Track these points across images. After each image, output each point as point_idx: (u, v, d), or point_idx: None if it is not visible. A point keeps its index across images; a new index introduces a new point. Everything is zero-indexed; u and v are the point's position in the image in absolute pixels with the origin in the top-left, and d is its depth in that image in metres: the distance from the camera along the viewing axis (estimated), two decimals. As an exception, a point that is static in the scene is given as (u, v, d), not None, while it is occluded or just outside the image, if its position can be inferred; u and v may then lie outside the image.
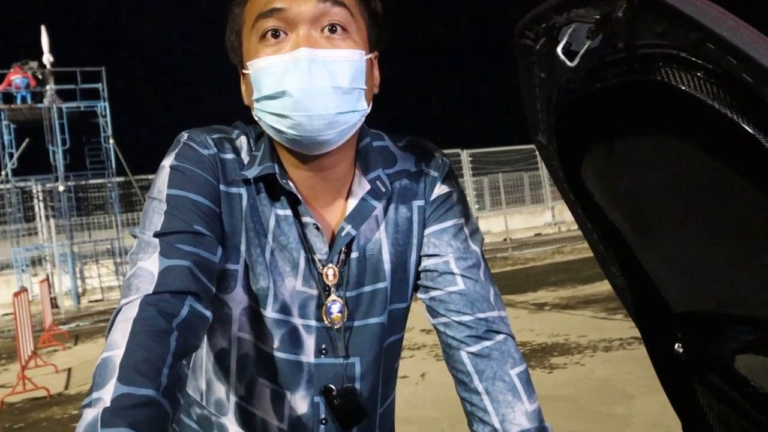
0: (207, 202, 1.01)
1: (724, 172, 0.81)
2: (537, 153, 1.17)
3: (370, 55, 1.04)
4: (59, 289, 15.71)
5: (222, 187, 1.04)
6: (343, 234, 1.08)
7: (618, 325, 6.86)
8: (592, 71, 0.87)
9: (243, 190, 1.06)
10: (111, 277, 16.97)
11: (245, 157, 1.07)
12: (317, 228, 1.07)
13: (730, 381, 1.04)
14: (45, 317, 10.40)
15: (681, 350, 1.12)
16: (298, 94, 0.95)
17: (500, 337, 1.11)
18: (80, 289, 16.55)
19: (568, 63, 0.85)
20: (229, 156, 1.06)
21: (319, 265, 1.08)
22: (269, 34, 0.98)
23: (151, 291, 0.90)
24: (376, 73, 1.09)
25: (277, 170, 1.05)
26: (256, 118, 1.05)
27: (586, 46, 0.83)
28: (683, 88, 0.75)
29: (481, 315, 1.10)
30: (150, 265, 0.93)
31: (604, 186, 1.06)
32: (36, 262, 16.77)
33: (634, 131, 0.92)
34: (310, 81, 0.95)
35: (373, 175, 1.10)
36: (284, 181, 1.05)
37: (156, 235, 0.96)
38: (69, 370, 7.89)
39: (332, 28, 0.99)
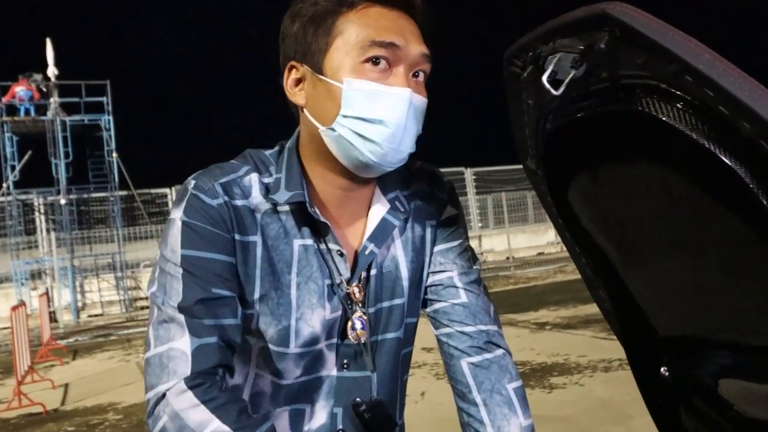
0: (223, 257, 1.02)
1: (704, 200, 0.82)
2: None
3: None
4: (58, 303, 15.68)
5: (237, 237, 1.04)
6: (366, 253, 1.11)
7: (618, 345, 6.68)
8: (577, 99, 0.89)
9: (257, 238, 1.06)
10: (111, 291, 16.93)
11: (257, 197, 1.07)
12: (341, 254, 1.08)
13: (715, 405, 1.04)
14: (43, 331, 10.36)
15: (666, 374, 1.13)
16: (394, 128, 1.01)
17: (499, 351, 1.16)
18: (80, 304, 16.51)
19: (554, 91, 0.86)
20: (239, 202, 1.05)
21: (344, 285, 1.10)
22: (376, 60, 1.02)
23: (188, 373, 0.96)
24: None
25: (306, 198, 1.06)
26: (321, 129, 1.04)
27: (571, 75, 0.85)
28: (663, 118, 0.77)
29: (483, 327, 1.15)
30: (182, 345, 0.97)
31: (590, 211, 1.07)
32: (36, 275, 16.75)
33: (618, 158, 0.93)
34: (406, 119, 1.01)
35: (392, 195, 1.15)
36: (313, 209, 1.06)
37: (180, 309, 0.99)
38: (66, 385, 7.86)
39: (418, 74, 1.05)
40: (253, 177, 1.08)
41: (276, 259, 1.06)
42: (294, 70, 1.08)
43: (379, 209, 1.13)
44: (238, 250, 1.04)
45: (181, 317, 0.99)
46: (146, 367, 1.00)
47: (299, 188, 1.06)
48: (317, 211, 1.06)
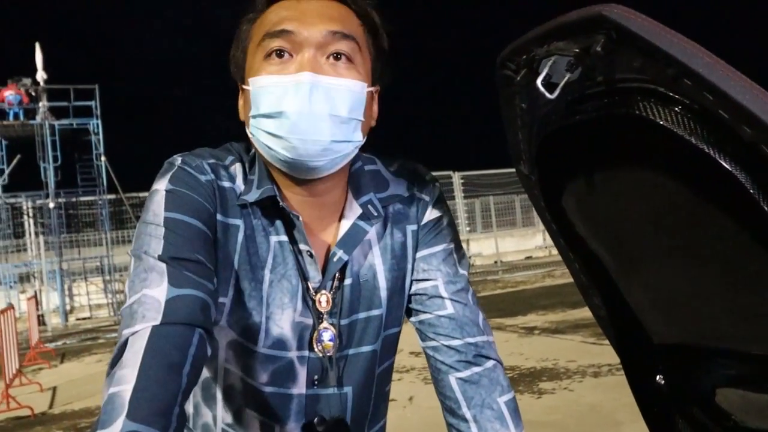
0: (204, 228, 0.97)
1: (702, 206, 0.81)
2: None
3: (371, 88, 1.04)
4: (47, 307, 15.59)
5: (219, 217, 1.00)
6: (335, 259, 1.05)
7: (607, 350, 6.80)
8: (572, 103, 0.88)
9: (240, 222, 1.02)
10: (99, 294, 16.85)
11: (240, 185, 1.04)
12: (311, 255, 1.04)
13: (711, 414, 1.03)
14: (31, 335, 10.31)
15: (662, 382, 1.11)
16: (296, 117, 0.94)
17: (489, 363, 1.11)
18: (68, 307, 16.41)
19: (548, 95, 0.85)
20: (227, 184, 1.03)
21: (312, 292, 1.05)
22: (275, 53, 0.98)
23: (159, 321, 0.86)
24: (375, 107, 1.08)
25: (277, 193, 1.03)
26: (249, 135, 1.03)
27: (566, 78, 0.83)
28: (661, 122, 0.75)
29: (471, 339, 1.10)
30: (157, 293, 0.88)
31: (585, 216, 1.05)
32: (24, 278, 16.67)
33: (614, 163, 0.92)
34: (309, 105, 0.94)
35: (364, 199, 1.09)
36: (284, 203, 1.02)
37: (161, 259, 0.91)
38: (54, 388, 7.81)
39: (337, 56, 0.99)
40: (237, 167, 1.06)
41: (253, 250, 1.02)
42: (241, 92, 1.07)
43: (351, 215, 1.08)
44: (219, 231, 1.00)
45: (162, 266, 0.91)
46: (120, 322, 0.90)
47: (269, 184, 1.03)
48: (287, 206, 1.03)
